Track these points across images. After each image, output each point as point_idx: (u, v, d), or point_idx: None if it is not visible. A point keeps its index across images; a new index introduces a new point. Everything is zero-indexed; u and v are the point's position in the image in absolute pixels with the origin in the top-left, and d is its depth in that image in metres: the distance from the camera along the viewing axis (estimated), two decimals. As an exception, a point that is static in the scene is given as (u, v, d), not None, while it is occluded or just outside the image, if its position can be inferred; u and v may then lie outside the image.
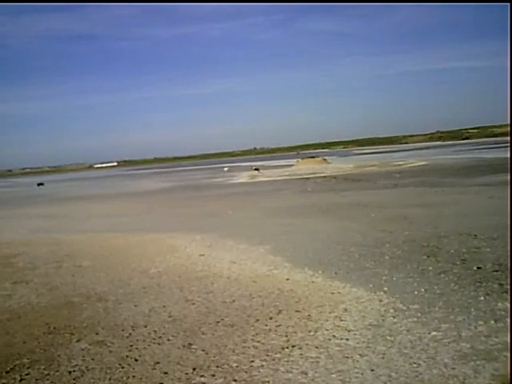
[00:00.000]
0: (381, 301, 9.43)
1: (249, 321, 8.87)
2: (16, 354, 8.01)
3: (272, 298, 10.16)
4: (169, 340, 8.22)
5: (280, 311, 9.27)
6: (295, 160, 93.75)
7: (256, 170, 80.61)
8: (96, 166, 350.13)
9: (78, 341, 8.46)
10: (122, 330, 8.82)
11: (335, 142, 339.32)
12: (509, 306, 8.62)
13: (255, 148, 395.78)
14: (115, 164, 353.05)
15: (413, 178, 37.69)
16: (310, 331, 8.16)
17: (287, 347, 7.61)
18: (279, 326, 8.52)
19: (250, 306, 9.68)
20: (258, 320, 8.87)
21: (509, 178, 27.35)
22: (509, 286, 9.57)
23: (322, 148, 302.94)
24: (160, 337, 8.40)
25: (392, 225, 17.39)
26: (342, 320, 8.56)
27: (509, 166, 29.87)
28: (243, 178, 61.21)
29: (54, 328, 9.16)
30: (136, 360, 7.52)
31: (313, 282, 11.14)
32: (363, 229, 17.11)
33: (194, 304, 10.06)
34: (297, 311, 9.20)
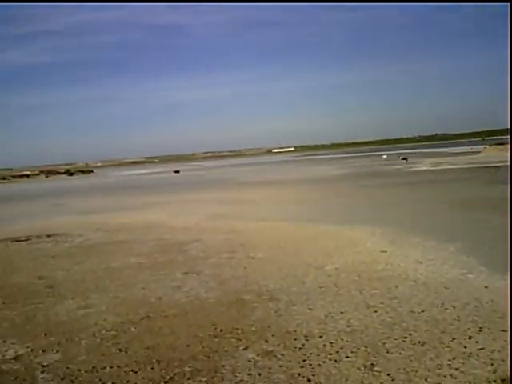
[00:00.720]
0: None
1: (442, 339, 7.42)
2: (178, 360, 7.24)
3: (469, 310, 8.59)
4: (347, 357, 7.01)
5: (481, 329, 7.70)
6: (482, 147, 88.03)
7: (404, 159, 78.31)
8: (274, 150, 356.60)
9: (244, 349, 7.53)
10: (295, 340, 7.75)
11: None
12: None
13: (437, 134, 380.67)
14: (292, 149, 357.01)
15: None
16: (523, 361, 6.56)
17: (495, 381, 6.12)
18: (481, 349, 6.98)
19: (443, 320, 8.19)
20: (453, 339, 7.39)
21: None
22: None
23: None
24: (337, 351, 7.22)
25: None
26: None
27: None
28: (425, 165, 58.24)
29: (221, 330, 8.32)
30: (309, 381, 6.42)
31: (518, 292, 9.37)
32: None
33: (376, 312, 8.76)
34: (502, 331, 7.57)
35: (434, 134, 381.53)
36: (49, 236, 20.57)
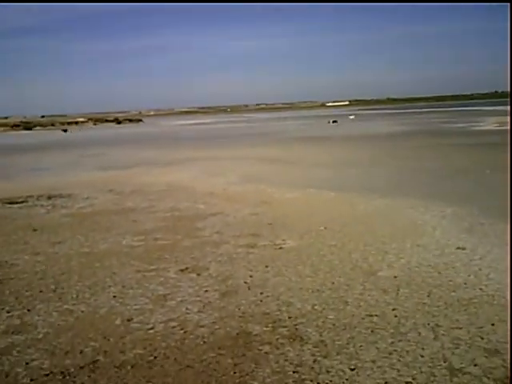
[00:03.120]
0: None
1: None
2: None
3: None
4: None
5: None
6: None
7: (334, 121, 73.99)
8: (328, 104, 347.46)
9: None
10: None
11: None
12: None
13: (496, 91, 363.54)
14: (347, 103, 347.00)
15: None
16: None
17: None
18: None
19: None
20: None
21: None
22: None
23: None
24: None
25: None
26: None
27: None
28: (490, 124, 52.96)
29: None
30: None
31: None
32: None
33: (464, 374, 5.12)
34: None
35: (493, 91, 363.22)
36: (49, 198, 17.45)
